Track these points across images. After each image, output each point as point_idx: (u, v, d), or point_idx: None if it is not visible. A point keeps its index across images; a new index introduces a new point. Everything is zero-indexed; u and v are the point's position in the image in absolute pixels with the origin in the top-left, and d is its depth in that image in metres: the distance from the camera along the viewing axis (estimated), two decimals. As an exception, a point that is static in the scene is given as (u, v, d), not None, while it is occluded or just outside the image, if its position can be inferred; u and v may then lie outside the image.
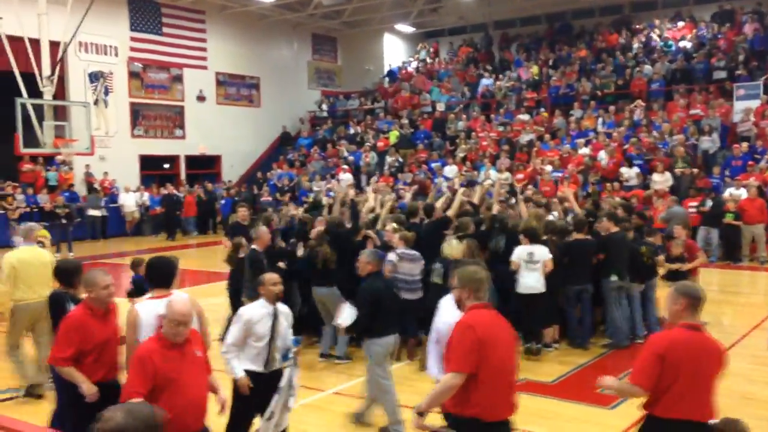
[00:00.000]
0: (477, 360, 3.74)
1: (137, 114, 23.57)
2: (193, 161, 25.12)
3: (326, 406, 6.78)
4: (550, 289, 8.35)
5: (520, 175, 18.28)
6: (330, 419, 6.38)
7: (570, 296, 8.67)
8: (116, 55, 22.80)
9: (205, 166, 25.54)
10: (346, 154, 23.46)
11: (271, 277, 5.18)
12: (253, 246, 8.09)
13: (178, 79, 24.66)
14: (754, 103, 18.67)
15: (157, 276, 4.87)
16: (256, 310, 5.11)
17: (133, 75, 23.38)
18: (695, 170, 16.54)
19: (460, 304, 4.06)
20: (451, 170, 19.50)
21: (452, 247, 7.85)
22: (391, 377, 5.89)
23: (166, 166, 24.81)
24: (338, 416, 6.34)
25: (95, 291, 4.76)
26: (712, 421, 3.85)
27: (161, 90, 24.22)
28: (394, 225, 8.51)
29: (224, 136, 25.49)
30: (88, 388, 4.67)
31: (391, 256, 7.95)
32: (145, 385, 3.92)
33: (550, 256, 8.19)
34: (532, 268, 8.16)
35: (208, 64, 25.45)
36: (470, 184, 15.40)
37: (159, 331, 4.14)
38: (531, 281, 8.18)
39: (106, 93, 22.49)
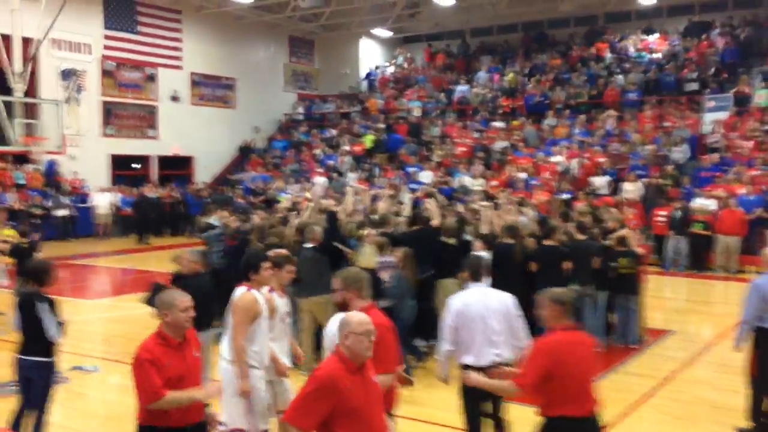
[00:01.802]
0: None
1: (109, 113, 23.27)
2: (165, 162, 24.87)
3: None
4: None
5: (494, 182, 18.42)
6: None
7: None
8: (90, 53, 22.49)
9: (177, 167, 25.30)
10: (321, 157, 23.43)
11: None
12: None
13: (152, 78, 24.41)
14: (724, 115, 19.02)
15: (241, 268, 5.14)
16: None
17: (106, 73, 23.09)
18: (660, 180, 16.78)
19: (343, 306, 4.23)
20: (426, 175, 19.57)
21: (365, 256, 7.80)
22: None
23: (137, 166, 24.54)
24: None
25: (172, 314, 4.03)
26: None
27: (134, 89, 23.95)
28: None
29: (198, 136, 25.28)
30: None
31: None
32: (319, 416, 3.42)
33: None
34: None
35: (183, 64, 25.23)
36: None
37: (341, 352, 3.56)
38: None
39: (78, 91, 22.18)
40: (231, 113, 26.85)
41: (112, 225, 21.33)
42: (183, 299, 4.08)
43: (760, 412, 6.28)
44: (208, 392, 4.15)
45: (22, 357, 5.40)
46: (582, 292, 8.84)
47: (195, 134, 25.15)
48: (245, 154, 26.18)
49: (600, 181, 17.35)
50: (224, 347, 4.99)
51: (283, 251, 5.93)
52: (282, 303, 5.38)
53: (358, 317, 3.60)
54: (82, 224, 20.68)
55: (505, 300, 5.12)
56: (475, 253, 8.24)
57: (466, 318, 5.05)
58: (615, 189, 17.08)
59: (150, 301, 6.65)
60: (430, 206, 9.55)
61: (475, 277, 5.28)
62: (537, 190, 17.16)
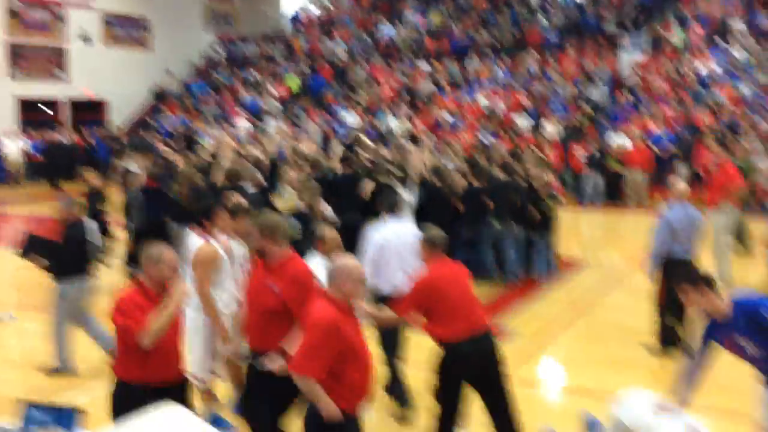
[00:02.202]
0: None
1: (16, 55, 21.93)
2: (77, 106, 23.73)
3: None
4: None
5: (419, 124, 18.46)
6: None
7: (467, 240, 9.01)
8: (-11, -11, 21.02)
9: (91, 111, 24.17)
10: (245, 99, 22.83)
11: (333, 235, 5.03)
12: None
13: (61, 18, 23.05)
14: (640, 56, 19.56)
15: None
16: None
17: (10, 13, 21.65)
18: (578, 120, 17.22)
19: (262, 253, 4.27)
20: (352, 118, 19.42)
21: (284, 200, 7.86)
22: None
23: (47, 110, 23.32)
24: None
25: (158, 269, 3.87)
26: None
27: (42, 29, 22.59)
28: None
29: (112, 79, 24.12)
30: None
31: None
32: (328, 361, 3.44)
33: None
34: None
35: (95, 2, 23.89)
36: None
37: (331, 296, 3.58)
38: None
39: (-21, 31, 20.79)
40: (146, 55, 25.72)
41: (23, 171, 20.37)
42: (170, 255, 3.93)
43: (667, 332, 6.68)
44: (179, 293, 3.89)
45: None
46: (503, 228, 9.15)
47: (108, 77, 23.99)
48: (161, 98, 25.21)
49: (522, 122, 17.65)
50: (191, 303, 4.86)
51: (242, 201, 5.87)
52: (239, 249, 5.29)
53: (352, 263, 3.64)
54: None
55: (418, 234, 5.41)
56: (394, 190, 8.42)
57: (385, 251, 5.37)
58: (536, 129, 17.41)
59: (25, 253, 6.38)
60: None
61: (392, 212, 5.61)
62: (462, 131, 17.35)
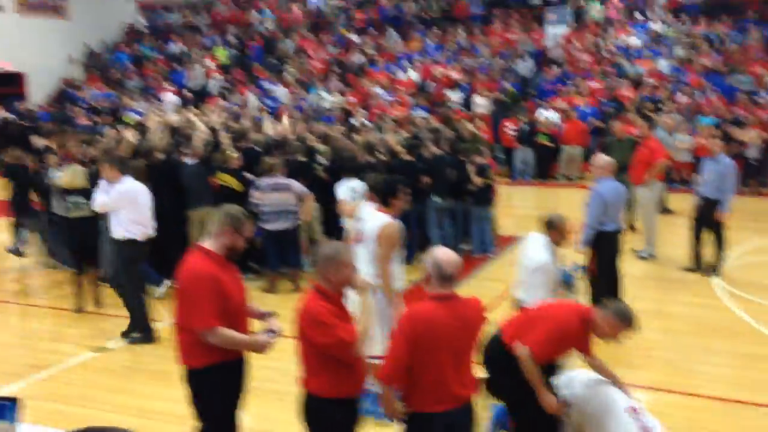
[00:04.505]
0: None
1: None
2: (-8, 79, 22.46)
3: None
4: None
5: (352, 98, 18.43)
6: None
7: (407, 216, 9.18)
8: None
9: (7, 84, 22.95)
10: (174, 72, 22.14)
11: None
12: None
13: (-32, -16, 21.67)
14: (564, 29, 20.03)
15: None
16: None
17: None
18: (502, 96, 17.55)
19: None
20: (282, 92, 19.18)
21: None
22: None
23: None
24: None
25: (343, 271, 3.59)
26: None
27: (-53, -4, 21.19)
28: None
29: (28, 50, 22.92)
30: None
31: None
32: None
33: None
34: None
35: (3, -33, 22.55)
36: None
37: (431, 292, 3.62)
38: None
39: None
40: (65, 24, 24.49)
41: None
42: (349, 255, 3.68)
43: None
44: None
45: None
46: (442, 204, 9.34)
47: (24, 48, 22.76)
48: (82, 70, 24.15)
49: (455, 96, 17.85)
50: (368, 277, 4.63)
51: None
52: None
53: (449, 256, 3.69)
54: None
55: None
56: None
57: None
58: (467, 103, 17.65)
59: None
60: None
61: None
62: (394, 106, 17.42)
